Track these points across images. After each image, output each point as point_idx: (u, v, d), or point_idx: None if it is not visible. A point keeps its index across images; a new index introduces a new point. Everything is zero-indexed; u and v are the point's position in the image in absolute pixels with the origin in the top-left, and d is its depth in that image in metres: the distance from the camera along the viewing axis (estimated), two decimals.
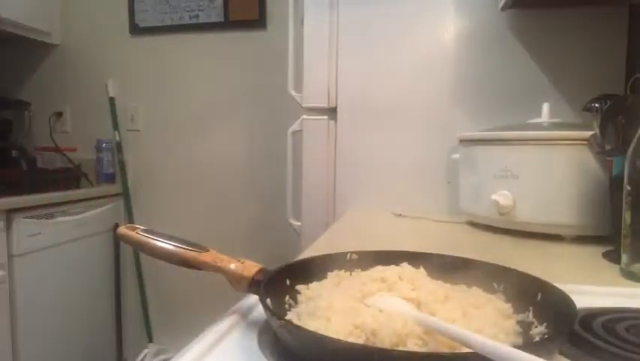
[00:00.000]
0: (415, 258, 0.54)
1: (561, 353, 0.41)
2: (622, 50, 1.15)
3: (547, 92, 1.17)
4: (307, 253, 0.75)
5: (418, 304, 0.45)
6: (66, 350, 1.90)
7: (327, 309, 0.42)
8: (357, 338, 0.38)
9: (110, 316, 2.21)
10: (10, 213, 1.63)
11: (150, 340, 2.28)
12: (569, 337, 0.42)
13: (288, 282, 0.50)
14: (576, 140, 0.91)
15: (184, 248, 0.51)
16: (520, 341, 0.41)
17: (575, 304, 0.42)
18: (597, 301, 0.52)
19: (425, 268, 0.52)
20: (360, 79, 1.35)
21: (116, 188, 2.25)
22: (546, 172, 0.95)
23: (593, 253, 0.83)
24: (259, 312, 0.49)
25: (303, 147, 1.40)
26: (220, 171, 2.19)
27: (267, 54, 2.08)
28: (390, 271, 0.51)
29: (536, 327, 0.43)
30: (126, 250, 2.25)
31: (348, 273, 0.53)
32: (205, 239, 0.57)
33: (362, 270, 0.53)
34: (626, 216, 0.68)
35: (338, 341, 0.35)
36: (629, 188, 0.68)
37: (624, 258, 0.69)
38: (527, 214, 0.96)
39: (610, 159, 0.83)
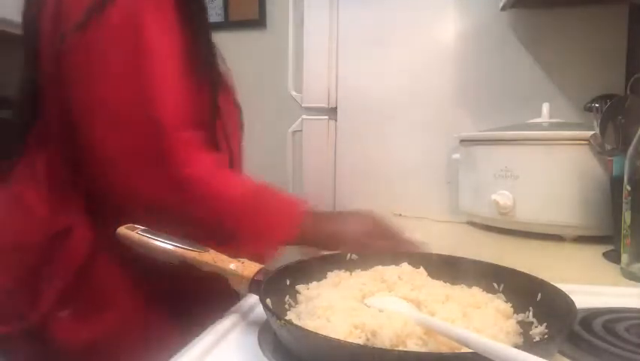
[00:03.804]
0: (415, 258, 0.54)
1: (561, 353, 0.41)
2: (622, 49, 1.15)
3: (548, 92, 1.17)
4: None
5: (418, 304, 0.45)
6: None
7: (326, 309, 0.42)
8: (357, 338, 0.38)
9: None
10: None
11: None
12: (569, 337, 0.42)
13: (288, 282, 0.50)
14: (576, 140, 0.91)
15: (184, 248, 0.51)
16: (520, 341, 0.41)
17: (575, 304, 0.42)
18: (597, 301, 0.52)
19: (425, 268, 0.52)
20: (360, 79, 1.35)
21: None
22: (546, 172, 0.95)
23: (593, 253, 0.83)
24: (259, 312, 0.49)
25: (303, 147, 1.40)
26: None
27: (267, 54, 2.08)
28: (390, 271, 0.51)
29: (536, 327, 0.43)
30: None
31: (348, 273, 0.53)
32: None
33: (362, 270, 0.53)
34: (626, 216, 0.68)
35: (338, 341, 0.35)
36: (629, 188, 0.68)
37: (624, 258, 0.69)
38: (527, 214, 0.96)
39: (610, 159, 0.83)
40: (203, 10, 0.76)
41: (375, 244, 0.66)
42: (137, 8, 0.64)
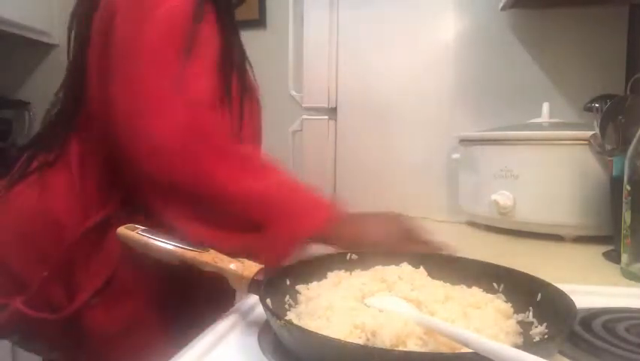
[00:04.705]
0: (415, 258, 0.54)
1: (561, 353, 0.41)
2: (622, 50, 1.15)
3: (547, 92, 1.17)
4: (307, 253, 0.74)
5: (418, 304, 0.45)
6: None
7: (327, 309, 0.42)
8: (357, 338, 0.38)
9: None
10: None
11: None
12: (569, 337, 0.42)
13: (288, 282, 0.50)
14: (576, 140, 0.91)
15: (184, 248, 0.51)
16: (520, 341, 0.41)
17: (575, 304, 0.42)
18: (597, 301, 0.52)
19: (425, 268, 0.52)
20: (360, 79, 1.35)
21: None
22: (546, 172, 0.95)
23: (593, 253, 0.83)
24: (259, 312, 0.50)
25: (303, 147, 1.40)
26: None
27: (267, 54, 2.08)
28: (390, 271, 0.51)
29: (536, 327, 0.43)
30: None
31: (348, 273, 0.53)
32: None
33: (362, 270, 0.53)
34: (626, 216, 0.68)
35: (338, 341, 0.35)
36: (629, 188, 0.68)
37: (624, 258, 0.69)
38: (527, 214, 0.96)
39: (610, 159, 0.83)
40: (234, 19, 0.87)
41: (403, 248, 0.63)
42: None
